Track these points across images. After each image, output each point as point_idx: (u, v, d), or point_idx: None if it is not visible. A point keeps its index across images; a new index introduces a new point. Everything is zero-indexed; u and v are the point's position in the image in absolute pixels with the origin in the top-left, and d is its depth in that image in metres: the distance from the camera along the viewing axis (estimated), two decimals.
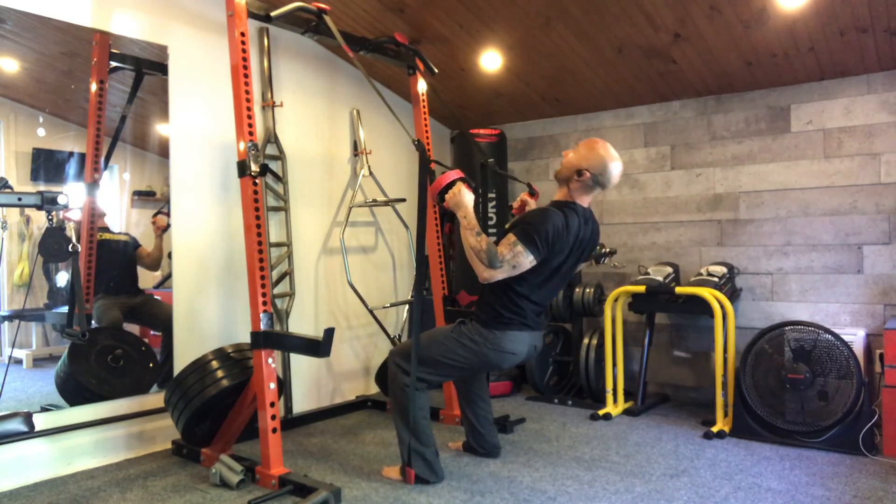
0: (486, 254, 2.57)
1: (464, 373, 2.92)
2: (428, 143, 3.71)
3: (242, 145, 2.80)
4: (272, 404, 2.75)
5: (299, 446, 3.39)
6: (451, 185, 2.71)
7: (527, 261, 2.59)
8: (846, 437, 3.21)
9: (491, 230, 4.55)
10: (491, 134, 4.66)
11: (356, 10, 3.59)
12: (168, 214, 3.43)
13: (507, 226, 2.81)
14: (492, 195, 4.59)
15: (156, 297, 3.66)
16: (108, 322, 3.41)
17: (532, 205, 3.04)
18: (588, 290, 4.29)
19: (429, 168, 2.81)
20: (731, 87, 4.03)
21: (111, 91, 3.35)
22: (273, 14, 2.98)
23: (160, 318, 3.51)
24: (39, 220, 3.22)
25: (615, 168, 2.70)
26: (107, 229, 3.45)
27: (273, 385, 2.77)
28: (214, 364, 2.96)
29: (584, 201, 2.77)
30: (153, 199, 3.64)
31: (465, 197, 2.69)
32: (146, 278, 3.64)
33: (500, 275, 2.60)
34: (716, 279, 3.77)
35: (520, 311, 2.70)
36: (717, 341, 3.57)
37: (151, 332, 3.67)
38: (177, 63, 3.39)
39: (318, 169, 4.16)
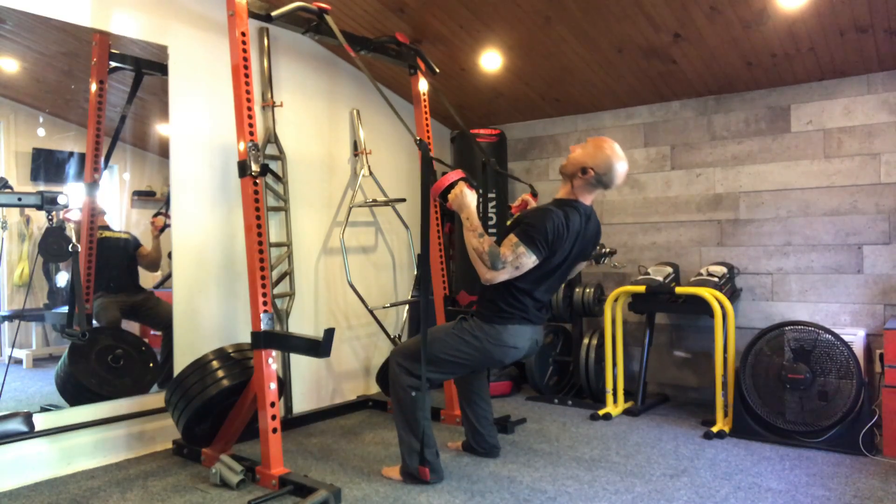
0: (488, 255, 2.58)
1: (466, 370, 2.91)
2: (429, 143, 3.71)
3: (243, 145, 2.80)
4: (272, 404, 2.75)
5: (299, 446, 3.39)
6: (452, 185, 2.70)
7: (529, 261, 2.60)
8: (846, 437, 3.21)
9: (491, 230, 4.54)
10: (491, 134, 4.66)
11: (356, 10, 3.59)
12: (167, 215, 3.43)
13: (508, 223, 2.81)
14: (492, 195, 4.59)
15: (157, 295, 3.66)
16: (106, 321, 3.41)
17: (533, 205, 3.03)
18: (588, 290, 4.29)
19: (431, 168, 2.80)
20: (731, 87, 4.03)
21: (111, 91, 3.35)
22: (274, 14, 2.98)
23: (161, 317, 3.50)
24: (39, 220, 3.22)
25: (620, 168, 2.70)
26: (107, 227, 3.45)
27: (273, 385, 2.77)
28: (215, 364, 2.96)
29: (587, 199, 2.78)
30: (153, 199, 3.64)
31: (468, 198, 2.69)
32: (146, 278, 3.63)
33: (502, 276, 2.60)
34: (716, 279, 3.78)
35: (521, 305, 2.72)
36: (717, 341, 3.57)
37: (151, 332, 3.67)
38: (177, 63, 3.39)
39: (318, 169, 4.16)
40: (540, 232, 2.59)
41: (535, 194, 3.09)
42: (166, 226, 3.44)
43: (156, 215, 3.59)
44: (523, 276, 2.67)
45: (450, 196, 2.71)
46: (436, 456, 2.85)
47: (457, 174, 2.73)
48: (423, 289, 2.86)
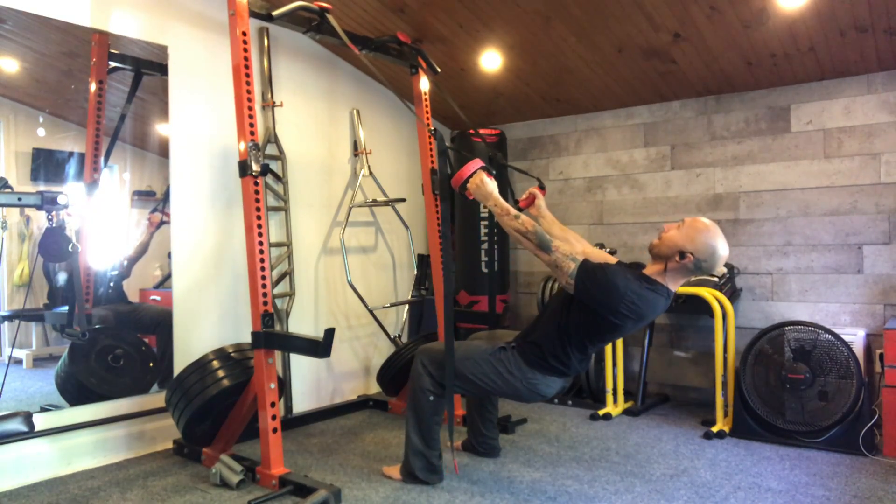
0: (535, 236, 2.49)
1: (486, 394, 2.91)
2: (430, 143, 3.70)
3: (244, 145, 2.80)
4: (272, 404, 2.76)
5: (299, 446, 3.39)
6: (472, 175, 2.67)
7: (564, 276, 2.46)
8: (846, 437, 3.21)
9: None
10: (491, 134, 4.66)
11: (356, 10, 3.59)
12: (164, 212, 3.43)
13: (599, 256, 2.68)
14: None
15: (149, 299, 3.65)
16: (99, 319, 3.41)
17: (541, 199, 2.98)
18: None
19: (447, 157, 2.77)
20: (731, 87, 4.03)
21: (111, 91, 3.35)
22: (275, 13, 2.97)
23: (147, 321, 3.53)
24: (39, 220, 3.21)
25: (723, 251, 2.43)
26: None
27: (273, 385, 2.77)
28: (215, 364, 2.96)
29: (676, 284, 2.52)
30: (153, 199, 3.64)
31: (489, 185, 2.63)
32: (146, 278, 3.63)
33: (545, 258, 2.48)
34: (716, 279, 3.78)
35: (567, 361, 2.62)
36: (717, 341, 3.57)
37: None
38: (177, 63, 3.39)
39: (318, 169, 4.16)
40: (598, 277, 2.43)
41: (542, 187, 3.02)
42: (162, 222, 3.44)
43: (153, 212, 3.59)
44: (594, 339, 2.58)
45: (470, 186, 2.66)
46: (439, 459, 2.84)
47: (475, 164, 2.68)
48: (446, 284, 2.81)
